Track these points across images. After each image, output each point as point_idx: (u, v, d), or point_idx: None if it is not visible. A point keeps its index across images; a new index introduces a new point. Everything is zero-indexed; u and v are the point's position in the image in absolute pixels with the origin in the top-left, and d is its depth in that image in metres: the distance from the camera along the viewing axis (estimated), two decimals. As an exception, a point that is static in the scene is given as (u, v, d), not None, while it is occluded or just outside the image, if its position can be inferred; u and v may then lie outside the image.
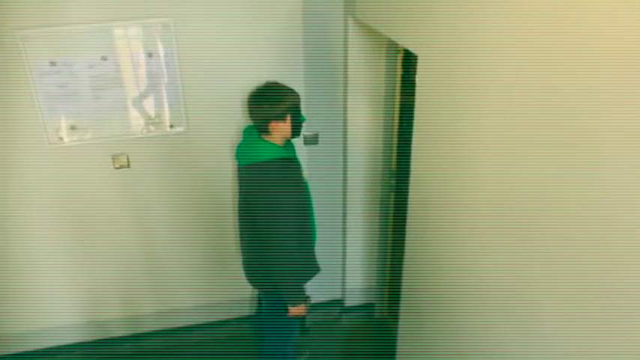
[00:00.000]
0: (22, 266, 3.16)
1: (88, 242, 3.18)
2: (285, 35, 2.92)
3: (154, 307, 3.48)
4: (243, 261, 2.81)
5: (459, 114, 1.77)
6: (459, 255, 1.90)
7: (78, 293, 3.32)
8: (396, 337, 2.68)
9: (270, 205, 2.39)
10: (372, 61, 2.98)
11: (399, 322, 2.62)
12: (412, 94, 2.17)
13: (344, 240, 3.53)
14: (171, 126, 2.97)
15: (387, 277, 3.50)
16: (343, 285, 3.70)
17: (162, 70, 2.84)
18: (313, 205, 2.70)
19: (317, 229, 2.80)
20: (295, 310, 2.62)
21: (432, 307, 2.23)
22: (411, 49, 2.08)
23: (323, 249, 3.56)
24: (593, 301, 1.23)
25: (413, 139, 2.16)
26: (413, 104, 2.17)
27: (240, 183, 2.68)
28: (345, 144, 3.21)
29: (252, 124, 2.54)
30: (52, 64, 2.69)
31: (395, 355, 2.71)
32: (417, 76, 2.04)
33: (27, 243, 3.10)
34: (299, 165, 2.61)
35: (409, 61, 3.08)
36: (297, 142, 3.19)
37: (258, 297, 3.01)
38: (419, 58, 2.01)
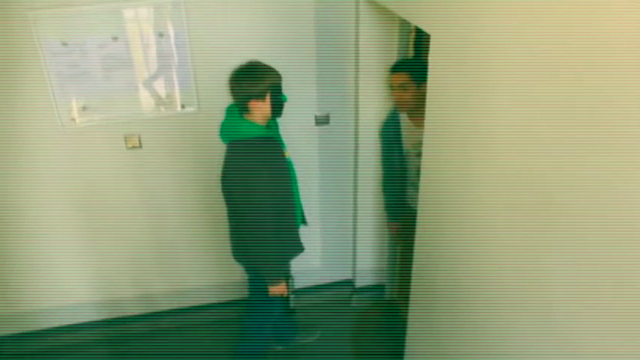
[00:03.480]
0: (36, 246, 3.20)
1: (101, 222, 3.21)
2: (297, 14, 2.90)
3: (165, 286, 3.52)
4: (229, 236, 2.79)
5: (471, 94, 1.75)
6: (470, 238, 1.90)
7: (91, 272, 3.37)
8: (406, 318, 2.69)
9: (248, 183, 2.41)
10: (383, 41, 2.95)
11: (410, 304, 2.62)
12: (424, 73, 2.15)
13: (355, 221, 3.53)
14: (183, 106, 2.98)
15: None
16: (354, 266, 3.71)
17: (172, 50, 2.83)
18: (298, 185, 2.70)
19: (303, 209, 2.80)
20: (275, 289, 2.61)
21: (442, 289, 2.23)
22: (424, 27, 2.06)
23: (334, 230, 3.58)
24: (607, 298, 1.22)
25: (425, 120, 2.14)
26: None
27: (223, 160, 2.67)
28: (357, 124, 3.20)
29: (234, 102, 2.53)
30: (64, 44, 2.69)
31: (405, 336, 2.72)
32: (429, 55, 2.02)
33: (40, 223, 3.14)
34: (280, 144, 2.59)
35: (420, 40, 3.05)
36: (309, 121, 3.19)
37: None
38: (431, 37, 1.98)
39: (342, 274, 3.79)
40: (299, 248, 2.75)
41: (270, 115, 2.49)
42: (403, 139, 2.93)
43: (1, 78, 2.72)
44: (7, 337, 3.43)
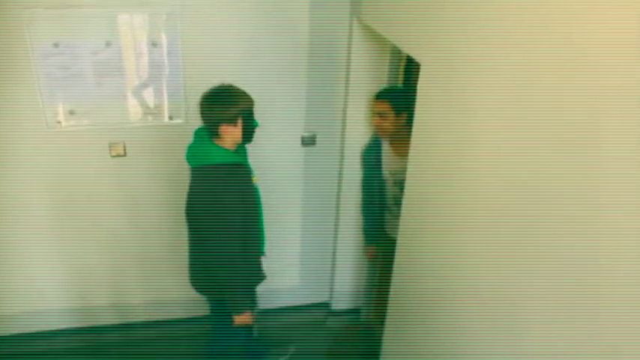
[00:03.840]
0: (13, 248, 3.15)
1: (80, 228, 3.17)
2: (290, 33, 2.93)
3: (143, 296, 3.47)
4: (188, 263, 2.72)
5: (458, 122, 1.77)
6: (450, 263, 1.91)
7: (68, 278, 3.31)
8: (381, 340, 2.68)
9: (213, 210, 2.35)
10: (374, 66, 2.99)
11: (385, 326, 2.62)
12: (412, 100, 2.17)
13: (335, 243, 3.53)
14: (170, 117, 2.97)
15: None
16: (331, 288, 3.69)
17: (164, 60, 2.84)
18: (263, 212, 2.65)
19: (265, 237, 2.74)
20: (240, 319, 2.55)
21: (418, 311, 2.23)
22: (414, 55, 2.09)
23: (313, 251, 3.57)
24: (582, 305, 1.24)
25: (411, 146, 2.16)
26: (412, 111, 2.17)
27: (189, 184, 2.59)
28: (343, 147, 3.21)
29: (204, 125, 2.47)
30: (56, 45, 2.69)
31: (379, 356, 2.71)
32: (418, 82, 2.05)
33: (19, 225, 3.10)
34: (249, 170, 2.54)
35: (410, 68, 3.09)
36: (295, 141, 3.21)
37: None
38: (421, 65, 2.01)
39: (319, 297, 3.77)
40: (261, 276, 2.71)
41: (240, 140, 2.43)
42: (382, 165, 2.96)
43: (-10, 75, 2.70)
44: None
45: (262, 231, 2.70)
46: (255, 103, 2.43)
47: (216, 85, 2.42)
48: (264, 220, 2.71)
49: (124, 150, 3.00)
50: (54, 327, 3.44)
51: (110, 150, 2.99)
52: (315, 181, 3.36)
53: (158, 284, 3.44)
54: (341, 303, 3.71)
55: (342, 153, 3.24)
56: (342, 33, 2.97)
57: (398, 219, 2.97)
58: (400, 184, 2.88)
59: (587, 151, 1.17)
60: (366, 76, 3.01)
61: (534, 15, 1.33)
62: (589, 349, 1.23)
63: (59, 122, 2.86)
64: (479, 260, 1.69)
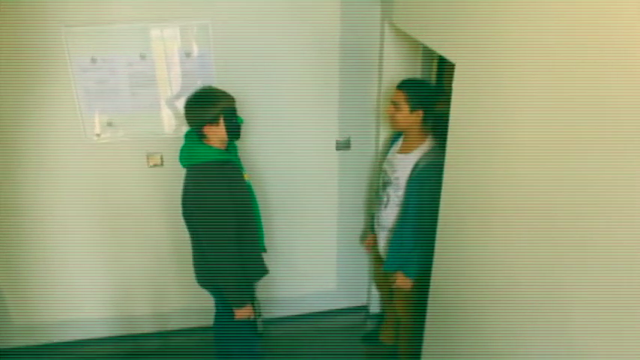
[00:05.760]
0: (55, 258, 3.23)
1: (120, 238, 3.23)
2: (322, 39, 2.94)
3: (182, 304, 3.52)
4: (192, 263, 2.78)
5: (495, 124, 1.75)
6: (488, 263, 1.88)
7: (108, 287, 3.38)
8: (421, 342, 2.67)
9: (205, 207, 2.41)
10: (407, 68, 2.97)
11: (425, 328, 2.60)
12: (445, 101, 2.16)
13: (371, 246, 3.52)
14: (205, 126, 3.00)
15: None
16: (369, 291, 3.68)
17: (198, 70, 2.87)
18: (258, 207, 2.69)
19: (264, 231, 2.78)
20: (241, 313, 2.59)
21: (459, 314, 2.21)
22: (448, 56, 2.07)
23: (349, 254, 3.56)
24: (627, 305, 1.22)
25: (447, 147, 2.15)
26: (444, 112, 2.16)
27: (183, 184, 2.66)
28: (377, 150, 3.21)
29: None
30: (93, 60, 2.75)
31: (420, 357, 2.70)
32: (453, 83, 2.03)
33: (60, 236, 3.17)
34: (239, 167, 2.59)
35: (442, 68, 3.07)
36: (329, 146, 3.21)
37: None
38: (456, 66, 2.00)
39: (356, 300, 3.77)
40: (262, 272, 2.73)
41: (226, 138, 2.49)
42: (388, 155, 2.92)
43: (32, 90, 2.78)
44: (21, 349, 3.44)
45: (260, 227, 2.72)
46: (235, 100, 2.48)
47: (198, 88, 2.49)
48: (262, 216, 2.74)
49: (162, 160, 3.05)
50: (95, 335, 3.52)
51: (148, 160, 3.04)
52: (350, 185, 3.36)
53: (197, 292, 3.46)
54: (378, 306, 3.70)
55: (376, 156, 3.24)
56: (374, 36, 2.97)
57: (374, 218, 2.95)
58: (385, 185, 2.85)
59: (630, 148, 1.15)
60: (399, 79, 2.98)
61: (574, 12, 1.30)
62: (636, 349, 1.20)
63: (98, 134, 2.93)
64: (518, 260, 1.66)
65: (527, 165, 1.58)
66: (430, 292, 2.49)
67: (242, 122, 2.53)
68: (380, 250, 3.00)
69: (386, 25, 2.85)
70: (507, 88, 1.65)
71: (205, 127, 2.43)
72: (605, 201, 1.25)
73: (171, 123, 2.98)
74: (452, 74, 2.04)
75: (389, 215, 2.84)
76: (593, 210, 1.29)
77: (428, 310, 2.54)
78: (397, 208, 2.79)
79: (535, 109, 1.50)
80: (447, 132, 2.14)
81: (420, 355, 2.71)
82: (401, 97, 2.65)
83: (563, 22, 1.34)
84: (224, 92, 2.46)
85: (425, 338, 2.64)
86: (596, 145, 1.26)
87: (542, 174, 1.50)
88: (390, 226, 2.86)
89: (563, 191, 1.41)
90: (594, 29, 1.23)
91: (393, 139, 2.93)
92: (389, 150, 2.92)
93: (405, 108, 2.64)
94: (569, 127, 1.35)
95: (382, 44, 2.93)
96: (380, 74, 3.02)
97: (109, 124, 2.91)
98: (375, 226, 3.01)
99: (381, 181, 2.92)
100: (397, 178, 2.74)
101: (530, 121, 1.53)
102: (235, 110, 2.49)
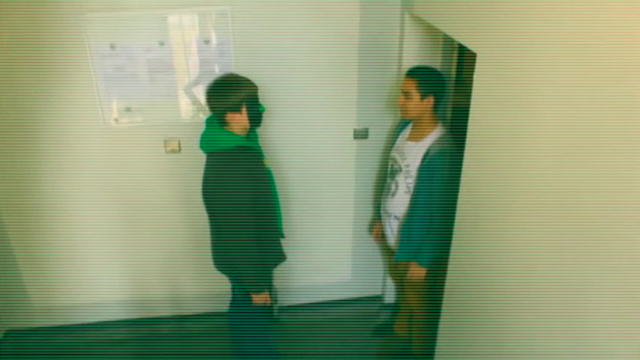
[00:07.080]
0: (73, 243, 3.26)
1: (137, 222, 3.26)
2: (342, 28, 2.91)
3: (197, 289, 3.55)
4: (210, 247, 2.80)
5: (516, 117, 1.73)
6: (506, 258, 1.87)
7: (125, 271, 3.42)
8: (435, 335, 2.66)
9: (227, 193, 2.41)
10: (427, 58, 2.93)
11: (440, 320, 2.59)
12: (465, 92, 2.13)
13: (387, 236, 3.50)
14: (223, 113, 3.00)
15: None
16: (384, 282, 3.68)
17: (216, 58, 2.87)
18: (278, 195, 2.70)
19: (283, 218, 2.80)
20: (258, 298, 2.61)
21: (475, 307, 2.19)
22: (470, 46, 2.04)
23: (365, 244, 3.55)
24: None
25: (467, 138, 2.12)
26: (464, 102, 2.13)
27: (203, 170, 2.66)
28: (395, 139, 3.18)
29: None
30: (112, 46, 2.76)
31: (434, 353, 2.69)
32: (475, 74, 2.00)
33: (79, 220, 3.20)
34: (259, 154, 2.59)
35: (462, 59, 3.03)
36: (347, 135, 3.19)
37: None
38: (478, 56, 1.96)
39: (371, 290, 3.76)
40: (281, 257, 2.74)
41: (248, 125, 2.48)
42: (396, 143, 2.90)
43: (51, 76, 2.80)
44: (39, 330, 3.50)
45: (279, 213, 2.73)
46: (258, 88, 2.47)
47: (221, 75, 2.48)
48: (281, 203, 2.75)
49: (179, 146, 3.06)
50: (111, 317, 3.57)
51: (165, 146, 3.05)
52: (368, 175, 3.35)
53: (212, 277, 3.49)
54: (393, 296, 3.70)
55: (385, 144, 3.21)
56: (394, 26, 2.93)
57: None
58: (394, 172, 2.83)
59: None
60: (419, 68, 2.96)
61: (605, 3, 1.27)
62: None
63: (116, 120, 2.94)
64: (537, 258, 1.64)
65: (549, 161, 1.55)
66: (445, 289, 2.48)
67: (264, 110, 2.52)
68: (387, 238, 2.99)
69: (406, 14, 2.82)
70: (530, 81, 1.62)
71: (228, 114, 2.41)
72: (629, 200, 1.22)
73: (189, 109, 2.98)
74: (472, 65, 2.01)
75: (397, 203, 2.82)
76: (618, 209, 1.27)
77: (443, 307, 2.53)
78: (406, 196, 2.77)
79: (559, 105, 1.47)
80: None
81: (433, 347, 2.70)
82: (411, 85, 2.64)
83: (592, 16, 1.31)
84: (247, 79, 2.45)
85: (439, 335, 2.63)
86: (623, 143, 1.22)
87: (564, 171, 1.47)
88: (399, 214, 2.84)
89: (586, 189, 1.38)
90: (624, 22, 1.19)
91: (402, 127, 2.90)
92: (397, 137, 2.90)
93: (416, 96, 2.63)
94: (595, 124, 1.32)
95: (402, 34, 2.90)
96: (399, 64, 2.99)
97: (128, 110, 2.92)
98: (382, 214, 2.99)
99: (389, 169, 2.91)
100: (408, 166, 2.72)
101: (554, 116, 1.50)
102: (258, 98, 2.48)
